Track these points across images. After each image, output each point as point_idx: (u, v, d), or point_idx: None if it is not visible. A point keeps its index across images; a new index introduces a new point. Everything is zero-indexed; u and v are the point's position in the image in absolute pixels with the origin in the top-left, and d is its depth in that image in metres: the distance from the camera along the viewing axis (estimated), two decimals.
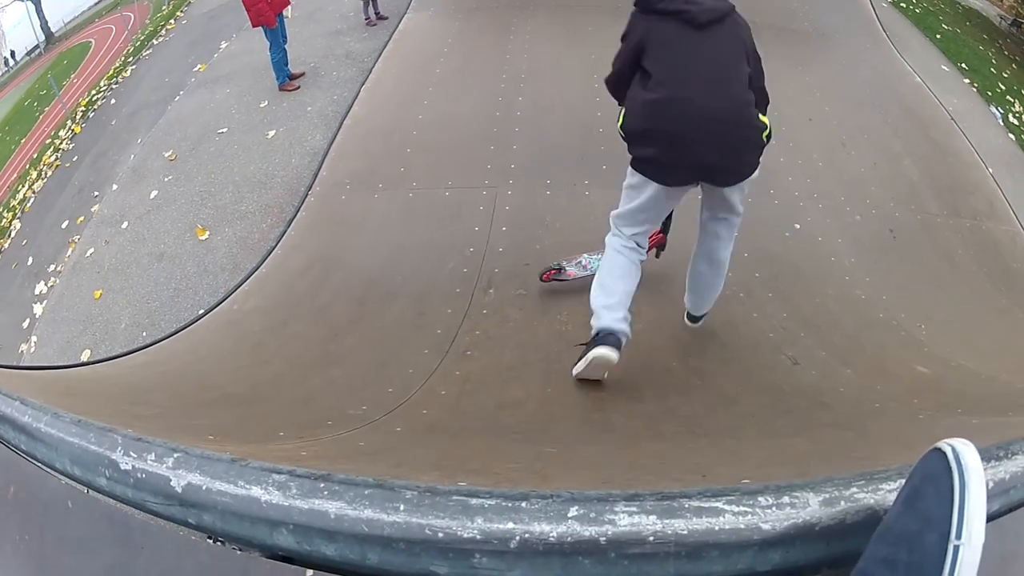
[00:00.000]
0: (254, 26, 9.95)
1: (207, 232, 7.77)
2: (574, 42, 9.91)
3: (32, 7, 23.07)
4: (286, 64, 10.26)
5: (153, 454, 1.86)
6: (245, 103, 10.11)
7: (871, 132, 8.64)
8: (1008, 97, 12.26)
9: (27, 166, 12.95)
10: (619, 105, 4.23)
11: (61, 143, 12.19)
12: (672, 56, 3.78)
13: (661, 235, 5.35)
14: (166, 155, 9.42)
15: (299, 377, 5.05)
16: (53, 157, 11.78)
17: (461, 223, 6.89)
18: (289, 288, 6.39)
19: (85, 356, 6.91)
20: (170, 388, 4.75)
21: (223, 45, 12.62)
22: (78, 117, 12.92)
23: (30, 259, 9.06)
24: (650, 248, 4.93)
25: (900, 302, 6.20)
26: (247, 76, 10.85)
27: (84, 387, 4.33)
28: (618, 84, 4.20)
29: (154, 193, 8.75)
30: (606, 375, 4.26)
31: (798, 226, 6.98)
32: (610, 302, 4.09)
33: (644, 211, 4.17)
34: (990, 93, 11.89)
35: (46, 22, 23.17)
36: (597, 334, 4.03)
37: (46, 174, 11.40)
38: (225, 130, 9.53)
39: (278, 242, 6.96)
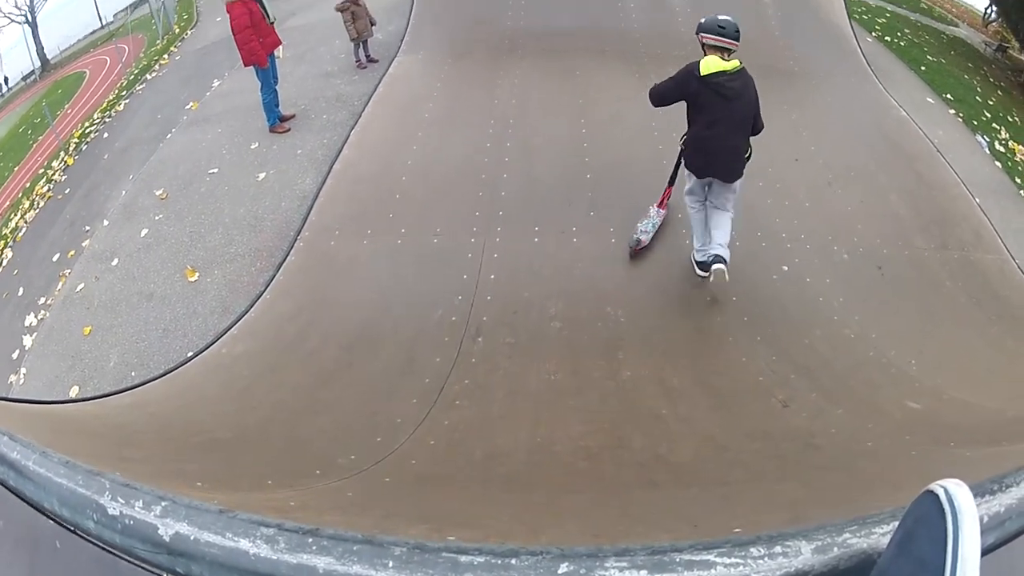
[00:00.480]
0: (246, 65, 10.05)
1: (197, 273, 7.84)
2: (562, 86, 10.01)
3: (29, 31, 23.26)
4: (277, 105, 10.39)
5: (141, 501, 1.88)
6: (236, 144, 10.22)
7: (857, 169, 8.72)
8: (994, 125, 12.54)
9: (20, 195, 13.03)
10: (654, 106, 6.49)
11: (54, 174, 12.30)
12: (711, 113, 6.02)
13: (669, 188, 7.22)
14: (157, 193, 9.51)
15: (287, 424, 5.08)
16: (46, 188, 11.88)
17: (450, 271, 6.92)
18: (277, 333, 6.38)
19: (74, 392, 6.94)
20: (158, 430, 4.79)
21: (215, 83, 12.77)
22: (71, 149, 13.02)
23: (21, 289, 9.11)
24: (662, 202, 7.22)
25: (890, 339, 6.29)
26: (238, 116, 10.97)
27: (72, 425, 4.36)
28: (660, 102, 6.40)
29: (145, 231, 8.83)
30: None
31: (786, 268, 7.07)
32: (703, 248, 6.45)
33: (692, 190, 6.58)
34: (976, 122, 12.15)
35: (42, 48, 23.29)
36: (710, 261, 6.19)
37: (39, 204, 11.49)
38: (216, 170, 9.64)
39: (267, 286, 6.97)
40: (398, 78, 10.72)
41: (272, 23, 10.15)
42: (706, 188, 6.44)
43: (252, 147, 10.02)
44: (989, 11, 22.16)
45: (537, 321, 6.30)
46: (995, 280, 7.48)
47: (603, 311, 6.45)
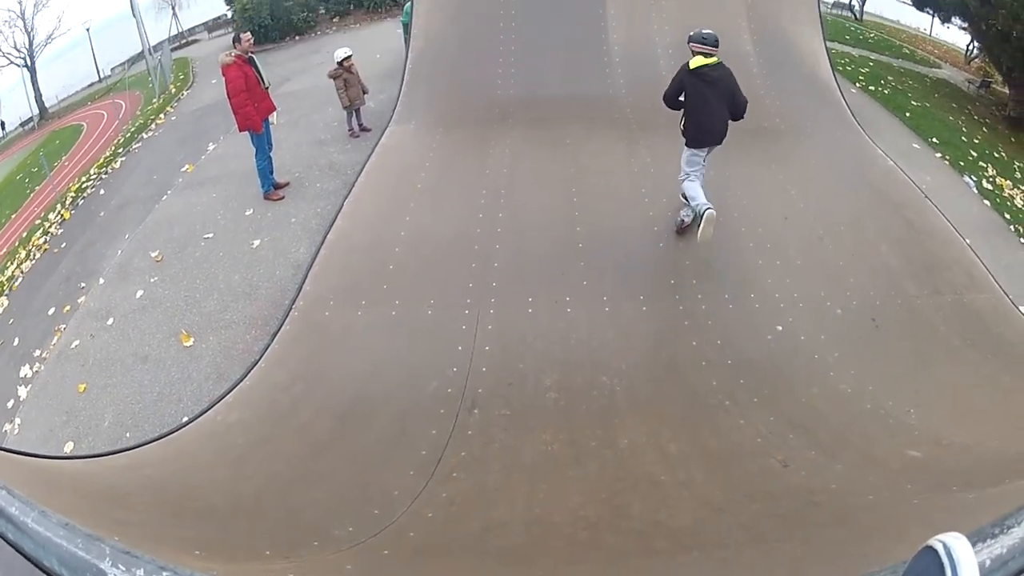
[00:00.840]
0: (241, 130, 10.25)
1: (192, 339, 8.00)
2: (553, 155, 10.15)
3: (27, 76, 23.52)
4: (271, 172, 10.62)
5: (142, 570, 1.98)
6: (231, 209, 10.44)
7: (847, 222, 8.80)
8: (980, 163, 12.95)
9: (16, 244, 13.20)
10: (667, 107, 8.13)
11: (51, 226, 12.50)
12: (700, 96, 7.81)
13: None
14: (152, 255, 9.71)
15: (282, 493, 5.15)
16: (42, 240, 12.07)
17: (444, 342, 7.00)
18: (272, 403, 6.41)
19: (68, 448, 7.04)
20: (153, 494, 4.85)
21: (211, 147, 13.06)
22: (68, 203, 13.22)
23: (16, 340, 9.25)
24: None
25: (887, 390, 6.38)
26: (233, 181, 11.21)
27: (67, 482, 4.41)
28: (671, 102, 8.04)
29: (140, 292, 9.01)
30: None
31: (780, 328, 7.19)
32: (700, 199, 7.72)
33: (694, 161, 8.08)
34: (962, 163, 12.53)
35: (40, 95, 23.56)
36: (703, 212, 7.48)
37: (35, 256, 11.68)
38: (211, 235, 9.85)
39: (262, 355, 6.99)
40: (390, 148, 10.80)
41: (267, 88, 10.37)
42: (705, 156, 8.13)
43: (247, 213, 10.24)
44: (971, 48, 22.73)
45: (532, 392, 6.36)
46: (989, 318, 7.57)
47: (599, 380, 6.49)
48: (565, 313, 7.35)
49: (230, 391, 6.57)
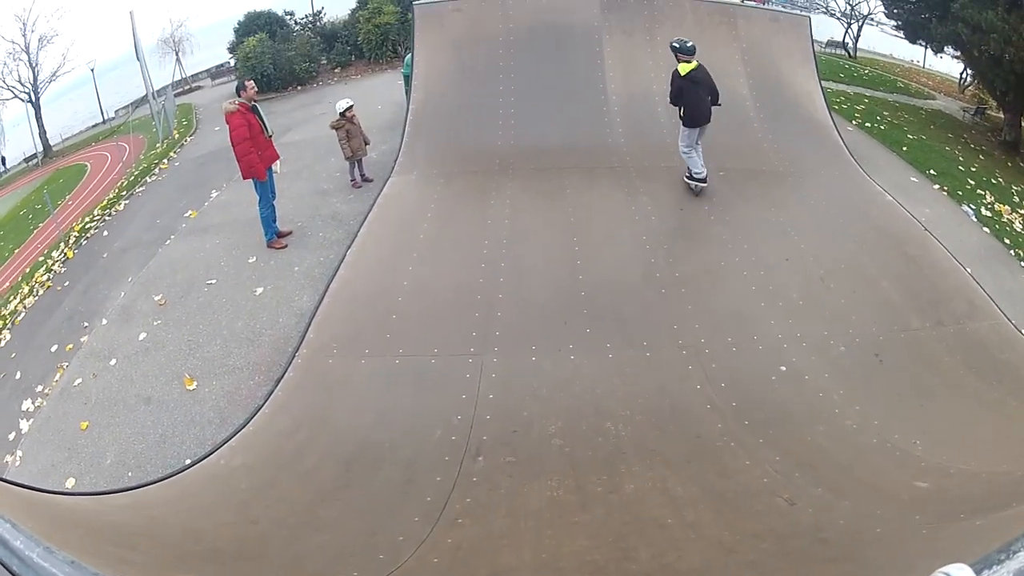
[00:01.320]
0: (245, 178, 10.40)
1: (195, 382, 8.08)
2: (553, 205, 10.33)
3: (32, 111, 23.73)
4: (274, 221, 10.77)
5: None
6: (234, 256, 10.59)
7: (848, 261, 8.92)
8: (978, 191, 13.17)
9: (19, 279, 13.30)
10: (673, 105, 10.51)
11: (54, 264, 12.63)
12: (693, 94, 10.13)
13: None
14: (156, 299, 9.84)
15: (286, 539, 5.14)
16: (45, 276, 12.20)
17: (448, 391, 7.01)
18: (276, 449, 6.41)
19: (70, 484, 7.07)
20: (156, 535, 4.85)
21: (214, 194, 13.25)
22: (71, 241, 13.36)
23: (18, 373, 9.30)
24: None
25: (892, 423, 6.38)
26: (236, 229, 11.39)
27: (71, 518, 4.44)
28: (675, 102, 10.35)
29: (143, 335, 9.10)
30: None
31: (783, 368, 7.21)
32: (698, 168, 10.42)
33: (692, 136, 10.33)
34: (960, 192, 12.75)
35: (44, 132, 23.76)
36: (700, 177, 10.43)
37: (38, 292, 11.79)
38: (214, 281, 9.99)
39: (265, 401, 7.01)
40: (392, 198, 10.94)
41: (270, 137, 10.53)
42: (699, 134, 10.39)
43: (250, 261, 10.39)
44: (964, 76, 23.04)
45: (537, 439, 6.34)
46: (993, 345, 7.62)
47: (603, 426, 6.46)
48: (568, 361, 7.39)
49: (234, 435, 6.58)
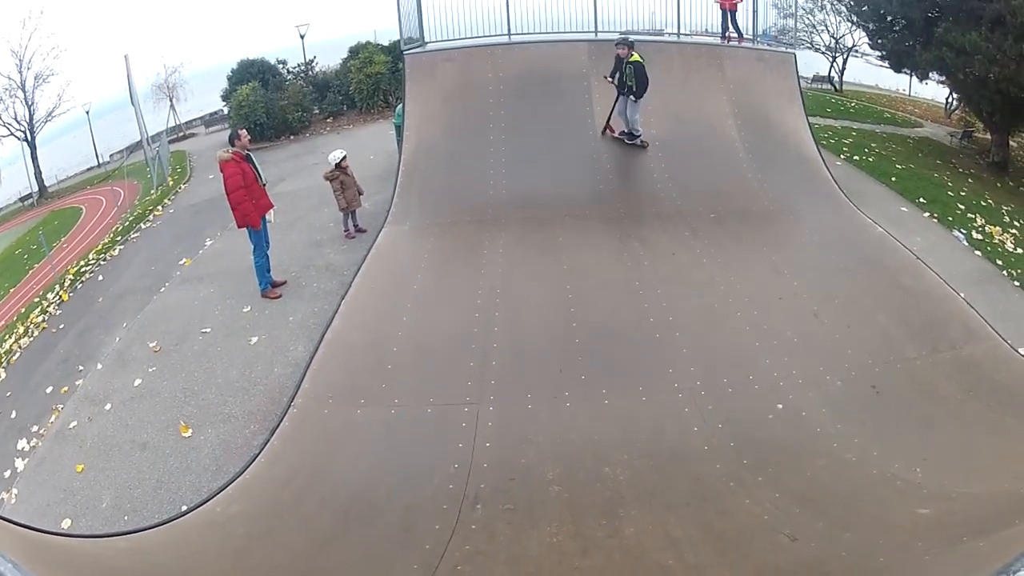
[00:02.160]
0: (240, 227, 10.54)
1: (190, 430, 8.13)
2: (546, 253, 10.44)
3: (27, 151, 23.89)
4: (268, 271, 10.90)
5: None
6: (228, 306, 10.71)
7: (841, 295, 9.00)
8: (969, 215, 13.36)
9: (15, 318, 13.44)
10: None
11: (49, 306, 12.74)
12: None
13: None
14: (151, 345, 9.93)
15: None
16: (40, 318, 12.30)
17: (444, 440, 7.03)
18: (273, 497, 6.43)
19: (65, 525, 7.06)
20: None
21: (208, 242, 13.45)
22: (66, 284, 13.48)
23: (13, 412, 9.37)
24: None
25: (892, 453, 6.39)
26: (231, 278, 11.54)
27: (68, 559, 4.52)
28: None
29: (138, 381, 9.18)
30: None
31: (780, 406, 7.22)
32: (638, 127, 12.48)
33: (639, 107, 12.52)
34: (951, 218, 12.94)
35: (40, 173, 23.89)
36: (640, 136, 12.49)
37: (33, 332, 11.88)
38: (209, 330, 10.10)
39: (261, 450, 7.04)
40: (386, 249, 11.08)
41: (264, 185, 10.68)
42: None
43: (244, 310, 10.52)
44: (950, 100, 23.46)
45: (536, 486, 6.33)
46: (989, 367, 7.66)
47: (601, 472, 6.46)
48: (565, 408, 7.41)
49: (230, 483, 6.60)
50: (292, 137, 23.09)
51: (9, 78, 24.02)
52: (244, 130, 10.65)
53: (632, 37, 12.59)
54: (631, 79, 12.28)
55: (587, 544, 5.55)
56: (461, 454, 6.83)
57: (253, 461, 6.94)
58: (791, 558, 5.16)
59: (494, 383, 7.85)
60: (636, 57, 12.17)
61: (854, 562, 4.88)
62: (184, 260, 12.78)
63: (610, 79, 12.65)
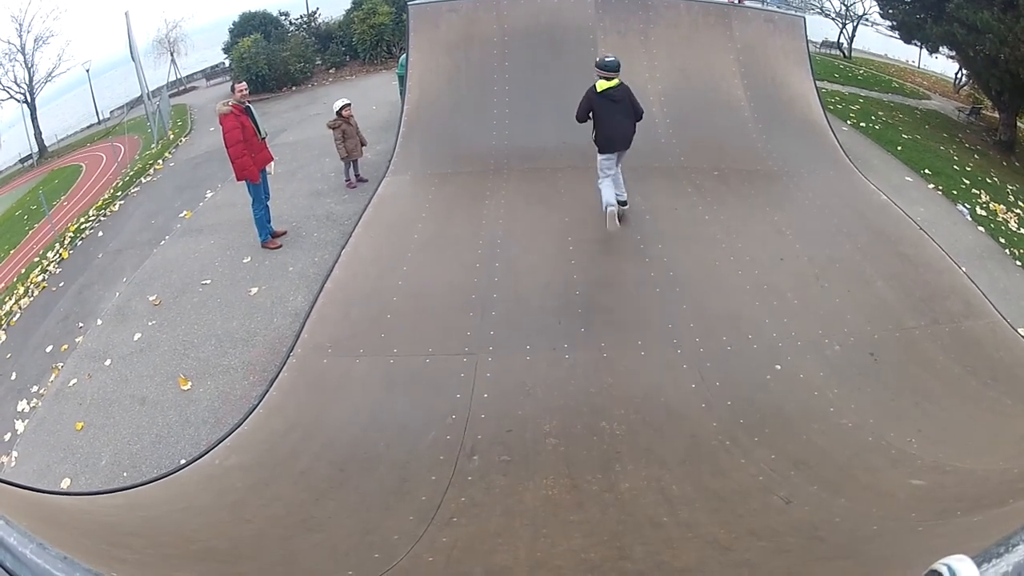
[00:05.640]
0: (238, 179, 10.42)
1: (189, 383, 8.09)
2: (548, 205, 10.35)
3: (27, 112, 23.74)
4: (268, 221, 10.80)
5: None
6: (228, 257, 10.63)
7: (843, 260, 8.96)
8: (973, 190, 13.25)
9: (15, 280, 13.36)
10: (579, 123, 9.44)
11: (49, 264, 12.64)
12: (609, 114, 9.19)
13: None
14: (150, 299, 9.86)
15: (281, 538, 5.13)
16: (40, 277, 12.21)
17: (442, 390, 7.00)
18: (271, 448, 6.40)
19: (65, 484, 7.07)
20: (151, 535, 4.85)
21: (208, 194, 13.29)
22: (66, 242, 13.37)
23: (13, 374, 9.30)
24: None
25: (888, 422, 6.39)
26: (231, 229, 11.43)
27: (64, 517, 4.42)
28: (582, 117, 9.33)
29: (137, 336, 9.12)
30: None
31: (779, 367, 7.21)
32: (609, 196, 9.29)
33: (608, 164, 9.45)
34: (955, 192, 12.82)
35: (40, 133, 23.77)
36: (607, 209, 9.18)
37: (33, 292, 11.79)
38: (208, 282, 10.01)
39: (260, 401, 7.03)
40: (387, 199, 11.01)
41: (264, 139, 10.53)
42: (617, 160, 9.52)
43: (244, 261, 10.43)
44: (959, 76, 23.16)
45: (532, 438, 6.35)
46: (988, 344, 7.66)
47: (598, 426, 6.46)
48: (563, 360, 7.38)
49: (228, 435, 6.60)
50: (294, 88, 22.80)
51: (9, 42, 23.82)
52: (241, 83, 10.46)
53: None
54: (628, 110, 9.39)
55: (582, 498, 5.53)
56: (459, 405, 6.81)
57: (251, 413, 6.94)
58: (784, 520, 5.12)
59: (493, 334, 7.80)
60: (616, 82, 9.21)
61: (847, 529, 4.84)
62: (184, 213, 12.65)
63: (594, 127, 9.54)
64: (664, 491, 5.51)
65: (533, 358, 7.43)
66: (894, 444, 6.07)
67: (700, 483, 5.63)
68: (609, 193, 9.34)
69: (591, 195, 10.13)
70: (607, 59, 9.24)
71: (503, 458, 6.07)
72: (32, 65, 24.05)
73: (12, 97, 23.72)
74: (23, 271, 13.73)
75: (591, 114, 9.29)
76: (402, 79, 13.73)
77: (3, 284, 13.81)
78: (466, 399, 6.87)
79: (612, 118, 9.24)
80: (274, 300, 9.38)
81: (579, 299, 8.28)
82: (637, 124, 9.41)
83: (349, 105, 12.66)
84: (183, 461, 6.53)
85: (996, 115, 20.06)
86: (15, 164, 23.15)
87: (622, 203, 9.76)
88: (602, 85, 9.17)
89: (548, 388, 7.01)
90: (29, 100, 23.74)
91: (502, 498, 5.60)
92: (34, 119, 23.57)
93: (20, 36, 23.87)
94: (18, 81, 23.87)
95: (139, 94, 22.08)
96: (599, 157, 9.49)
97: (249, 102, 10.32)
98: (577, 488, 5.58)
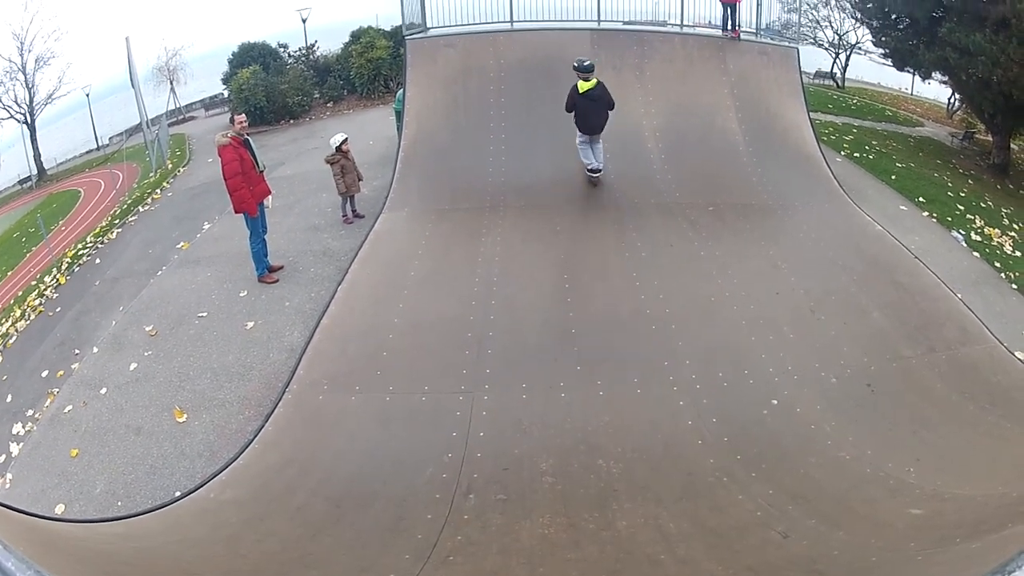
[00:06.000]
0: (236, 212, 10.49)
1: (185, 415, 8.12)
2: (544, 242, 10.44)
3: (27, 133, 23.79)
4: (265, 255, 10.86)
5: None
6: (225, 290, 10.69)
7: (839, 292, 9.05)
8: (968, 216, 13.35)
9: (11, 302, 13.36)
10: (567, 112, 11.60)
11: (46, 289, 12.71)
12: (587, 109, 11.38)
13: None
14: (147, 329, 9.91)
15: (276, 574, 5.17)
16: (37, 301, 12.27)
17: (439, 428, 7.03)
18: (266, 483, 6.43)
19: (59, 510, 7.07)
20: (146, 565, 4.91)
21: (206, 226, 13.40)
22: (64, 267, 13.43)
23: (9, 396, 9.34)
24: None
25: (885, 452, 6.43)
26: (228, 262, 11.51)
27: (61, 544, 4.49)
28: (569, 109, 11.49)
29: (133, 365, 9.16)
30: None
31: (775, 402, 7.25)
32: (588, 160, 11.74)
33: (582, 142, 11.64)
34: (950, 219, 12.93)
35: (39, 155, 23.80)
36: (589, 168, 11.83)
37: (29, 316, 11.85)
38: (205, 314, 10.06)
39: (255, 436, 7.08)
40: (383, 235, 11.08)
41: (262, 172, 10.63)
42: (591, 139, 11.65)
43: (241, 295, 10.49)
44: (952, 101, 23.39)
45: (529, 477, 6.36)
46: (985, 368, 7.73)
47: (595, 464, 6.47)
48: (559, 398, 7.42)
49: (224, 469, 6.63)
50: (292, 121, 22.98)
51: (10, 60, 23.92)
52: (240, 115, 10.64)
53: (635, 27, 12.41)
54: (604, 105, 11.42)
55: (579, 536, 5.55)
56: (455, 443, 6.84)
57: (247, 447, 6.97)
58: (782, 555, 5.16)
59: (489, 372, 7.84)
60: (593, 83, 11.25)
61: (846, 561, 4.88)
62: (182, 244, 12.73)
63: (575, 118, 11.69)
64: (661, 528, 5.54)
65: (529, 396, 7.47)
66: (892, 474, 6.12)
67: (697, 519, 5.66)
68: (586, 157, 11.81)
69: (588, 232, 10.50)
70: (584, 63, 11.24)
71: (500, 497, 6.08)
72: (33, 85, 24.14)
73: (12, 117, 23.78)
74: (20, 294, 13.75)
75: (575, 110, 11.49)
76: (399, 114, 13.95)
77: (0, 306, 13.84)
78: (462, 437, 6.90)
79: (590, 113, 11.48)
80: (270, 335, 9.42)
81: (575, 337, 8.35)
82: (611, 112, 11.53)
83: (347, 140, 12.76)
84: (178, 493, 6.57)
85: (989, 138, 20.29)
86: (14, 185, 23.17)
87: (595, 170, 11.86)
88: (583, 86, 11.24)
89: (544, 426, 7.05)
90: (29, 121, 23.80)
91: (498, 537, 5.62)
92: (34, 141, 23.60)
93: (21, 55, 23.98)
94: (18, 101, 23.95)
95: (138, 121, 22.21)
96: (577, 136, 11.76)
97: (247, 134, 10.43)
98: (574, 526, 5.61)
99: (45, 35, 24.20)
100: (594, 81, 11.18)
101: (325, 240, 12.17)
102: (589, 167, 11.76)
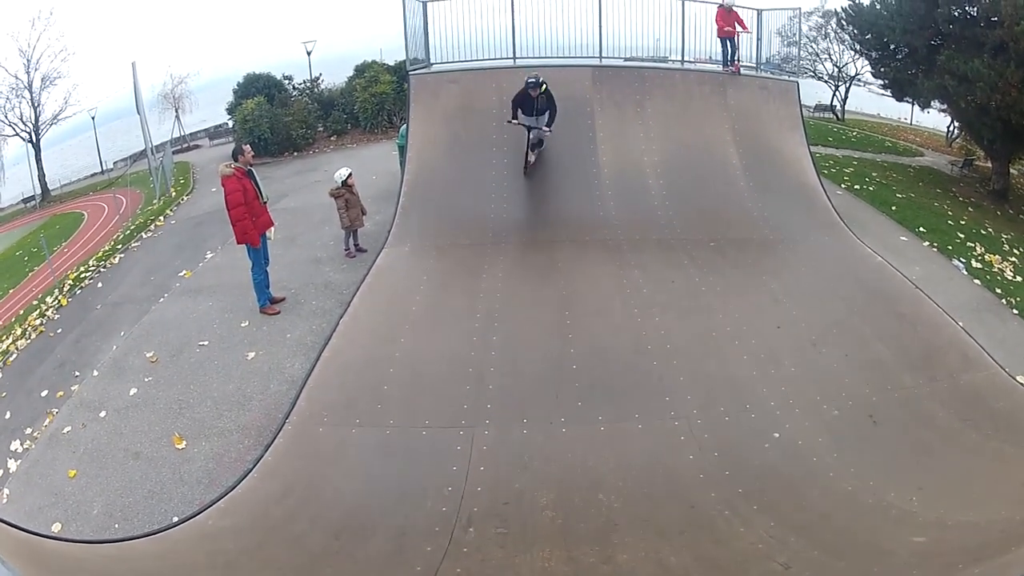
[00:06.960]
0: (239, 243, 10.54)
1: (184, 442, 8.14)
2: (545, 278, 10.53)
3: (32, 152, 23.97)
4: (267, 287, 10.94)
5: None
6: (226, 320, 10.76)
7: (840, 324, 9.10)
8: (968, 244, 13.50)
9: (13, 320, 13.47)
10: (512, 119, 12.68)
11: (47, 309, 12.77)
12: (530, 112, 12.31)
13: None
14: (147, 355, 9.98)
15: None
16: (39, 321, 12.33)
17: (439, 462, 7.03)
18: (264, 512, 6.43)
19: (55, 528, 7.04)
20: None
21: (208, 255, 13.53)
22: (65, 289, 13.54)
23: (8, 414, 9.40)
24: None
25: (888, 482, 6.43)
26: (229, 292, 11.60)
27: (58, 562, 4.58)
28: (513, 116, 12.47)
29: (133, 391, 9.20)
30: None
31: (777, 435, 7.26)
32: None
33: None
34: (950, 247, 13.08)
35: (44, 175, 23.96)
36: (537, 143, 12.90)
37: (30, 335, 11.90)
38: (206, 343, 10.13)
39: (254, 465, 7.07)
40: (385, 270, 11.16)
41: (265, 203, 10.70)
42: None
43: (242, 325, 10.57)
44: (951, 129, 23.68)
45: (529, 511, 6.35)
46: (988, 395, 7.75)
47: (595, 498, 6.47)
48: (560, 433, 7.44)
49: (222, 497, 6.65)
50: (295, 154, 23.25)
51: (16, 77, 24.12)
52: (247, 146, 10.68)
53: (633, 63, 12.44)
54: (547, 105, 12.36)
55: (579, 570, 5.57)
56: (455, 477, 6.84)
57: (246, 476, 6.97)
58: None
59: (490, 407, 7.88)
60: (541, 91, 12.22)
61: None
62: (184, 272, 12.85)
63: (514, 121, 12.64)
64: (662, 562, 5.56)
65: (530, 431, 7.49)
66: (895, 504, 6.13)
67: (699, 553, 5.69)
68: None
69: (589, 268, 10.59)
70: (529, 80, 12.05)
71: (499, 530, 6.09)
72: (38, 105, 24.34)
73: (18, 134, 23.96)
74: (21, 312, 13.85)
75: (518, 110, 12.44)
76: (402, 149, 14.09)
77: (1, 323, 13.90)
78: (462, 472, 6.90)
79: (531, 115, 12.35)
80: (271, 366, 9.46)
81: (576, 372, 8.38)
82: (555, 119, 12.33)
83: (352, 175, 12.92)
84: (176, 519, 6.60)
85: (989, 165, 20.64)
86: (18, 203, 23.31)
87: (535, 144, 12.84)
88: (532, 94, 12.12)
89: (545, 461, 7.07)
90: (34, 140, 23.98)
91: (498, 570, 5.63)
92: (38, 160, 23.80)
93: (28, 73, 24.18)
94: (24, 119, 24.13)
95: (143, 147, 22.37)
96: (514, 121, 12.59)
97: (252, 166, 10.51)
98: (574, 560, 5.63)
99: (52, 54, 24.49)
100: (542, 89, 12.13)
101: (327, 273, 12.27)
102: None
